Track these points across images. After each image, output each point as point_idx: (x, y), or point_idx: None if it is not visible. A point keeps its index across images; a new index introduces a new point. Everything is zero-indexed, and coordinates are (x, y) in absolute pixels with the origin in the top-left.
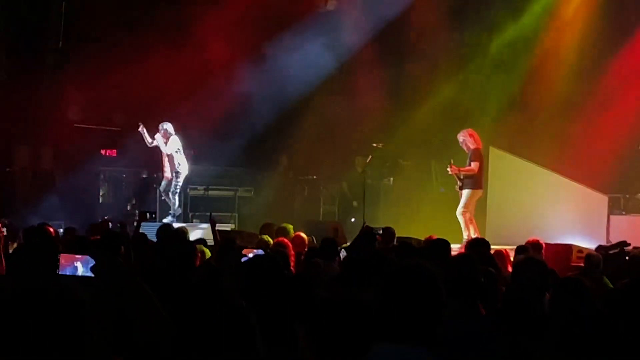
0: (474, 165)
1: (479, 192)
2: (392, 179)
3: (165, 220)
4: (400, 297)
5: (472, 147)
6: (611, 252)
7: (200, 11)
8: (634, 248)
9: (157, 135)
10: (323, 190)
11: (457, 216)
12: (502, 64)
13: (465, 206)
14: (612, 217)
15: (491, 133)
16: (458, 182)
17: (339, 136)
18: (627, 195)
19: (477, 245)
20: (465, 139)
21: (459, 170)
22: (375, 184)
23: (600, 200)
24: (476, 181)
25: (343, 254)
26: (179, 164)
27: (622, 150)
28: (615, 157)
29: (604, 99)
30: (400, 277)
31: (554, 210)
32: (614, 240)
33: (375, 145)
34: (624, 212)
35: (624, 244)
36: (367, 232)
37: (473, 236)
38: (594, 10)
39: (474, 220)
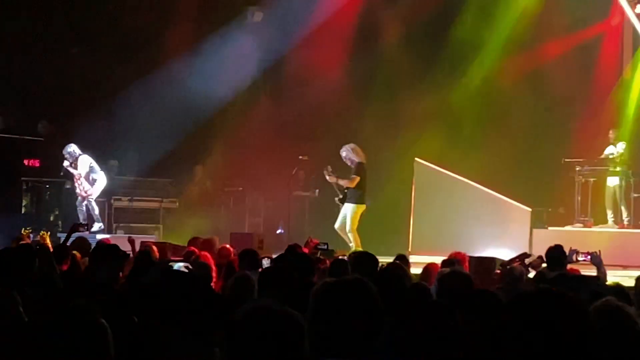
0: (354, 178)
1: (363, 207)
2: (317, 190)
3: (95, 228)
4: (341, 311)
5: (356, 160)
6: (509, 266)
7: (121, 22)
8: (539, 257)
9: (65, 163)
10: (248, 201)
11: (338, 231)
12: (429, 76)
13: (353, 223)
14: (534, 230)
15: (416, 145)
16: (339, 195)
17: (265, 147)
18: (550, 209)
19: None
20: (347, 153)
21: (337, 180)
22: (301, 196)
23: (523, 214)
24: (360, 196)
25: (267, 263)
26: (94, 180)
27: (546, 164)
28: (538, 171)
29: (528, 113)
30: (340, 291)
31: (478, 223)
32: (537, 253)
33: (301, 157)
34: (546, 226)
35: (524, 255)
36: (290, 247)
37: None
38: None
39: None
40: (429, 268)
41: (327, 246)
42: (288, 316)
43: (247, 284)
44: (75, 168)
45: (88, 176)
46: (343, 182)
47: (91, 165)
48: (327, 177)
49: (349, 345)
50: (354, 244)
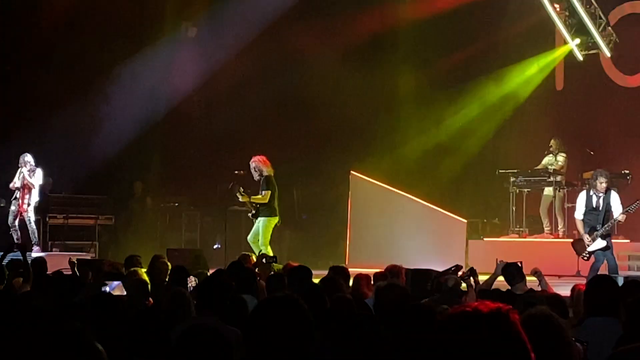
0: (266, 193)
1: (275, 220)
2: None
3: (34, 252)
4: (270, 328)
5: (265, 174)
6: (443, 278)
7: (56, 39)
8: (469, 270)
9: (24, 170)
10: (185, 217)
11: (250, 243)
12: (363, 88)
13: (265, 237)
14: (470, 241)
15: (351, 158)
16: (252, 210)
17: (200, 162)
18: (485, 220)
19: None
20: (257, 165)
21: (250, 199)
22: (237, 211)
23: (459, 225)
24: (272, 209)
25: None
26: (36, 197)
27: (480, 175)
28: (473, 182)
29: (461, 125)
30: (270, 309)
31: (414, 235)
32: (472, 263)
33: (236, 172)
34: (482, 237)
35: (457, 267)
36: (235, 262)
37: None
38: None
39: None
40: (358, 278)
41: (275, 259)
42: (221, 334)
43: (182, 300)
44: (31, 178)
45: (35, 191)
46: (255, 199)
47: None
48: (240, 198)
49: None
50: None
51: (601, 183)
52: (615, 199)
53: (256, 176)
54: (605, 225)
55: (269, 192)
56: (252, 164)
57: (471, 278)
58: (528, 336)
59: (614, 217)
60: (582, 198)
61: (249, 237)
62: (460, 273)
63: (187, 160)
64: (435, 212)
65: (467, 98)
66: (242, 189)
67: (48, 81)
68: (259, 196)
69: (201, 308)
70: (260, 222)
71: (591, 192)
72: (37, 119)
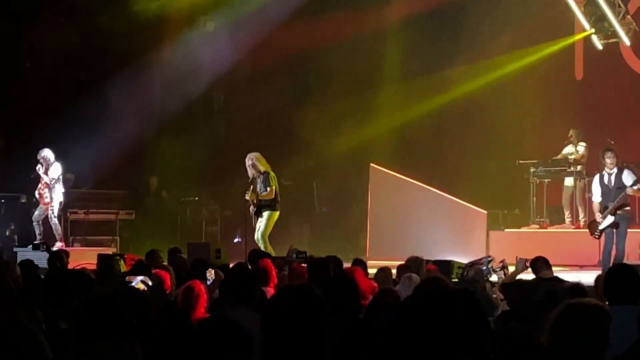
0: (270, 189)
1: (277, 214)
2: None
3: (55, 247)
4: (285, 319)
5: (262, 170)
6: (467, 269)
7: (73, 34)
8: (501, 262)
9: (37, 167)
10: (205, 211)
11: (259, 240)
12: (383, 82)
13: (267, 228)
14: (491, 232)
15: (371, 150)
16: (253, 207)
17: (220, 156)
18: (506, 211)
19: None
20: (254, 162)
21: (257, 197)
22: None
23: (480, 216)
24: (275, 203)
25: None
26: (59, 192)
27: (501, 166)
28: (493, 173)
29: (482, 116)
30: (285, 299)
31: (435, 227)
32: (494, 254)
33: None
34: (502, 228)
35: (487, 258)
36: (253, 252)
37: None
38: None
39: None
40: (386, 271)
41: (305, 255)
42: (239, 327)
43: (194, 292)
44: (47, 174)
45: (54, 185)
46: (263, 196)
47: (59, 176)
48: (247, 196)
49: (298, 352)
50: (266, 249)
51: (608, 158)
52: (627, 174)
53: (252, 173)
54: (616, 200)
55: (273, 187)
56: (249, 162)
57: (502, 271)
58: (575, 322)
59: (627, 190)
60: (596, 181)
61: (257, 235)
62: (491, 265)
63: (206, 154)
64: (456, 204)
65: (490, 90)
66: (252, 187)
67: (65, 77)
68: (266, 193)
69: (238, 301)
70: (264, 215)
71: (603, 172)
72: (56, 114)
